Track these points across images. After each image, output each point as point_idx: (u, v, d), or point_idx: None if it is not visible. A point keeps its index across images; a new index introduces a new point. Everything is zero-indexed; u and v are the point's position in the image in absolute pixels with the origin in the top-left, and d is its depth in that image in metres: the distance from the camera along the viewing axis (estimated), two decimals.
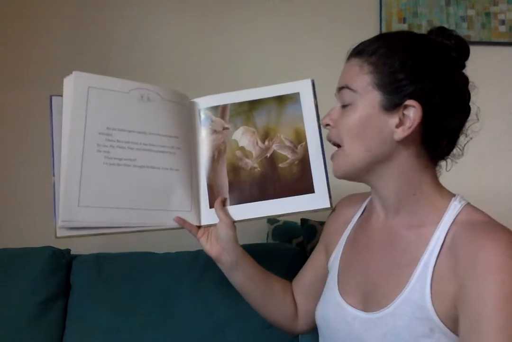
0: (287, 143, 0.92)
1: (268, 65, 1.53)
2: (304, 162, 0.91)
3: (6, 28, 1.51)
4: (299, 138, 0.92)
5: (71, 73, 0.85)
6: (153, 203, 0.87)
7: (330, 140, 0.81)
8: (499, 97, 1.55)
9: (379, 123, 0.74)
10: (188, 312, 1.18)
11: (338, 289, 0.83)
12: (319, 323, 0.86)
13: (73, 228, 0.82)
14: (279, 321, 0.97)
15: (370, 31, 1.51)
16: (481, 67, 1.55)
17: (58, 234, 0.82)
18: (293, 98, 0.93)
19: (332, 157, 0.81)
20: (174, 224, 0.89)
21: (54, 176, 0.84)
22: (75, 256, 1.28)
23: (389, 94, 0.73)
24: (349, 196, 0.97)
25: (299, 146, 0.92)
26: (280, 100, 0.94)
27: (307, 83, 0.93)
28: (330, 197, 0.89)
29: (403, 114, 0.73)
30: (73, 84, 0.84)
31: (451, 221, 0.73)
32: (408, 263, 0.73)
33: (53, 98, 0.87)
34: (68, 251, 1.30)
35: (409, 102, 0.72)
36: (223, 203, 0.91)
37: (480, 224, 0.71)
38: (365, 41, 0.78)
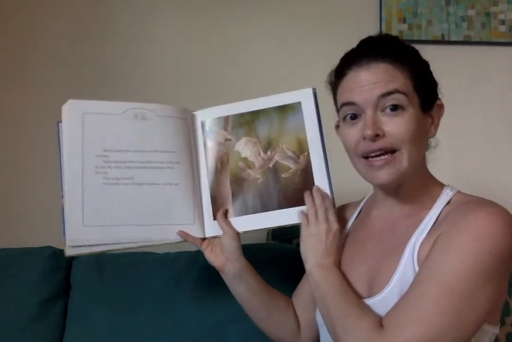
0: (289, 153, 0.92)
1: (267, 66, 1.53)
2: (307, 172, 0.91)
3: (6, 28, 1.51)
4: (301, 148, 0.92)
5: (67, 100, 0.89)
6: (155, 218, 0.90)
7: (382, 149, 0.77)
8: (499, 97, 1.55)
9: (424, 124, 0.79)
10: (188, 312, 1.18)
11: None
12: (319, 320, 0.87)
13: (81, 246, 0.86)
14: (282, 336, 0.97)
15: (370, 31, 1.50)
16: (481, 67, 1.56)
17: (68, 253, 0.87)
18: (295, 108, 0.93)
19: (384, 165, 0.77)
20: (178, 238, 0.91)
21: (63, 198, 0.87)
22: (75, 256, 1.28)
23: (425, 96, 0.79)
24: (340, 207, 0.98)
25: (301, 156, 0.91)
26: (282, 110, 0.93)
27: (308, 92, 0.92)
28: (334, 206, 0.89)
29: (430, 113, 0.81)
30: (68, 112, 0.88)
31: (444, 204, 0.78)
32: (401, 243, 0.77)
33: (60, 124, 0.89)
34: None
35: (439, 101, 0.82)
36: (225, 215, 0.92)
37: (473, 201, 0.76)
38: (383, 44, 0.80)
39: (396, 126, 0.75)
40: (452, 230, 0.70)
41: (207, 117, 0.96)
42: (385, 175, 0.77)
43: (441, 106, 0.82)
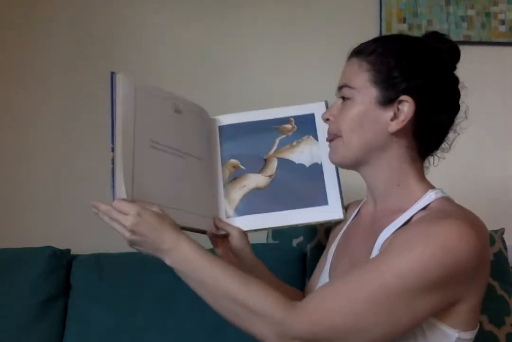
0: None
1: (267, 67, 1.53)
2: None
3: (7, 28, 1.51)
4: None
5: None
6: (191, 205, 0.90)
7: (329, 134, 0.86)
8: (499, 97, 1.54)
9: (375, 116, 0.80)
10: (188, 312, 1.18)
11: (329, 276, 0.89)
12: None
13: None
14: None
15: (370, 31, 1.51)
16: (481, 67, 1.56)
17: None
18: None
19: (330, 146, 0.87)
20: (201, 228, 0.90)
21: (113, 151, 0.80)
22: (75, 256, 1.28)
23: (385, 90, 0.79)
24: (352, 202, 1.01)
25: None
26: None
27: (321, 105, 0.99)
28: (343, 207, 0.94)
29: (398, 109, 0.79)
30: (122, 82, 0.84)
31: (420, 207, 0.78)
32: (373, 242, 0.79)
33: (114, 75, 0.84)
34: (68, 251, 1.30)
35: (403, 97, 0.78)
36: (219, 219, 0.94)
37: (447, 211, 0.75)
38: (364, 42, 0.84)
39: (341, 114, 0.83)
40: (411, 232, 0.71)
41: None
42: (331, 157, 0.87)
43: (405, 103, 0.78)
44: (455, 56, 0.85)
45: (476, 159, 1.52)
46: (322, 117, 0.88)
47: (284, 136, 0.99)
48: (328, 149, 0.92)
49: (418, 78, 0.79)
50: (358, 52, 0.83)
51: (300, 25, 1.54)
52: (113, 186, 0.78)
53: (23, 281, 1.21)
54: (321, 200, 0.94)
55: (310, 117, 0.99)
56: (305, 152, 0.97)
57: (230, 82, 1.51)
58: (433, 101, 0.80)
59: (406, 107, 0.78)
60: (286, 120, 0.99)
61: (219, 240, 0.93)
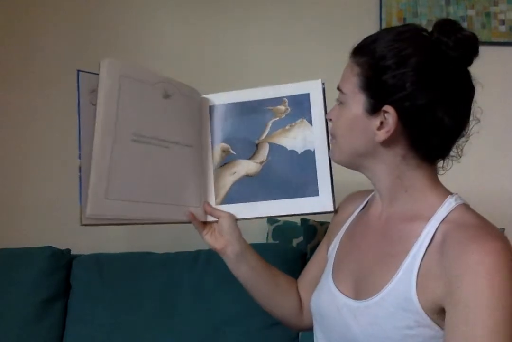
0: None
1: (268, 67, 1.53)
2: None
3: (8, 27, 1.51)
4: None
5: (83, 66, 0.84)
6: (169, 196, 0.88)
7: (330, 133, 0.85)
8: (500, 97, 1.54)
9: (363, 124, 0.76)
10: (188, 312, 1.18)
11: (332, 277, 0.85)
12: (313, 309, 0.87)
13: (99, 219, 0.81)
14: (284, 316, 0.97)
15: (370, 32, 1.48)
16: (481, 67, 1.56)
17: (84, 222, 0.80)
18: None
19: (330, 144, 0.87)
20: (184, 219, 0.89)
21: (80, 158, 0.79)
22: (75, 256, 1.28)
23: (372, 97, 0.74)
24: (355, 192, 0.98)
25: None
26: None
27: (318, 83, 0.92)
28: (334, 200, 0.89)
29: (385, 118, 0.74)
30: (106, 72, 0.82)
31: (442, 218, 0.73)
32: (398, 254, 0.74)
33: (81, 74, 0.83)
34: (68, 251, 1.30)
35: (386, 108, 0.73)
36: (209, 204, 0.93)
37: (472, 226, 0.71)
38: (365, 39, 0.79)
39: (336, 117, 0.81)
40: (463, 279, 0.66)
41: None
42: (331, 155, 0.86)
43: (389, 113, 0.73)
44: (467, 50, 0.74)
45: (477, 159, 1.52)
46: (326, 118, 0.88)
47: (277, 118, 0.93)
48: (323, 134, 0.91)
49: (407, 85, 0.72)
50: (355, 51, 0.79)
51: (300, 25, 1.54)
52: (80, 193, 0.78)
53: (23, 281, 1.21)
54: (312, 190, 0.90)
55: (305, 98, 0.93)
56: (298, 138, 0.92)
57: (230, 82, 1.50)
58: (428, 108, 0.72)
59: (390, 118, 0.72)
60: (280, 100, 0.94)
61: (206, 226, 0.92)
